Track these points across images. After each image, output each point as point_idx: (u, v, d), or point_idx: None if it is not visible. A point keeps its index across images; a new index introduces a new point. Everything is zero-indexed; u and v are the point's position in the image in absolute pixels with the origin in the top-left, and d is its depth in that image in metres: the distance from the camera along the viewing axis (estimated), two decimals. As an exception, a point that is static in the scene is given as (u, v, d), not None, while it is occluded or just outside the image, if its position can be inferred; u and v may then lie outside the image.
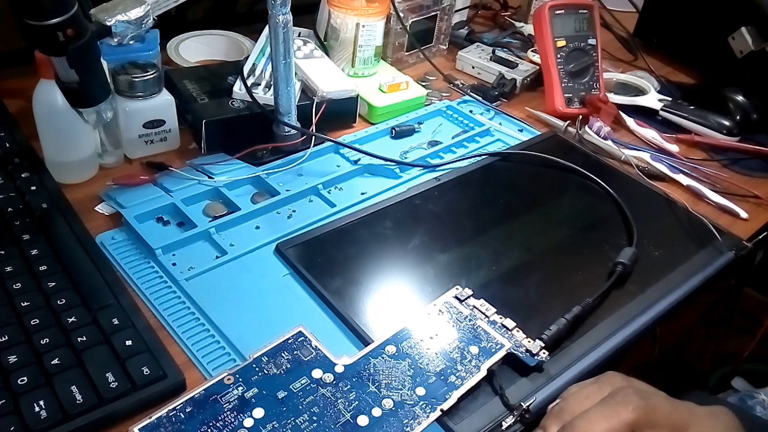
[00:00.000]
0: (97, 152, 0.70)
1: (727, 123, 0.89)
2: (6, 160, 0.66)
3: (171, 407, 0.45)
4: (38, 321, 0.50)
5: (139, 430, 0.44)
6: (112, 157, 0.71)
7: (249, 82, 0.76)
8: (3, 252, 0.55)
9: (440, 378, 0.50)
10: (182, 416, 0.45)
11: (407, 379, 0.49)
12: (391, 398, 0.48)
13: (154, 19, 0.62)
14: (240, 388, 0.47)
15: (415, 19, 0.95)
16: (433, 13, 0.98)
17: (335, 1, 0.85)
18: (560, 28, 0.90)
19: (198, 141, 0.73)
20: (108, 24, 0.59)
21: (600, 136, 0.85)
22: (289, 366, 0.49)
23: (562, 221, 0.72)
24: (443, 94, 0.93)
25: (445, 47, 1.04)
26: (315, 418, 0.46)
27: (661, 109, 0.93)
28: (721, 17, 0.98)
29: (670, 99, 0.95)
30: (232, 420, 0.45)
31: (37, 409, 0.44)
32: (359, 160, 0.75)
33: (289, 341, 0.51)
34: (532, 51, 1.01)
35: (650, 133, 0.88)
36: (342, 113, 0.81)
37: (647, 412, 0.45)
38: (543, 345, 0.53)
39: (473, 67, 1.00)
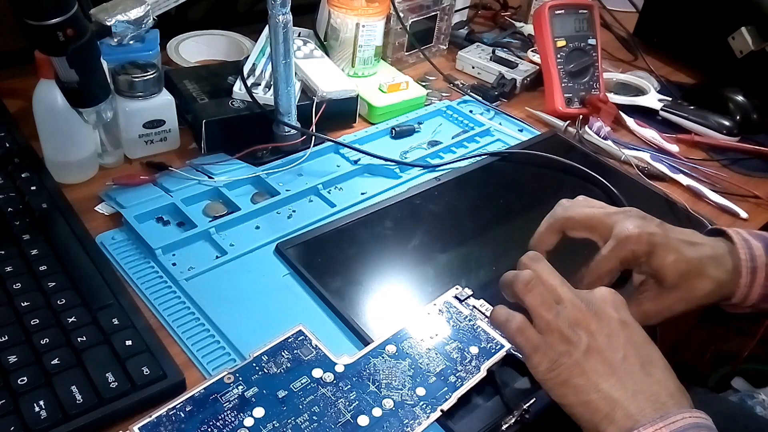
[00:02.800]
0: (97, 152, 0.70)
1: (727, 123, 0.89)
2: (6, 160, 0.66)
3: (171, 406, 0.45)
4: (38, 321, 0.50)
5: (139, 429, 0.44)
6: (112, 157, 0.71)
7: (249, 82, 0.76)
8: (3, 252, 0.55)
9: (440, 378, 0.50)
10: (182, 415, 0.45)
11: (407, 379, 0.49)
12: (392, 398, 0.48)
13: (154, 19, 0.62)
14: (240, 387, 0.47)
15: (415, 19, 0.95)
16: (433, 13, 0.98)
17: (335, 1, 0.85)
18: (560, 28, 0.90)
19: (198, 141, 0.73)
20: (108, 24, 0.59)
21: (600, 136, 0.85)
22: (289, 365, 0.49)
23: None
24: (443, 94, 0.93)
25: (445, 47, 1.04)
26: (315, 418, 0.46)
27: (661, 109, 0.93)
28: (721, 17, 0.99)
29: (670, 99, 0.95)
30: (233, 419, 0.45)
31: (37, 409, 0.44)
32: (359, 160, 0.75)
33: (289, 340, 0.51)
34: (532, 51, 1.01)
35: (650, 133, 0.88)
36: (342, 113, 0.81)
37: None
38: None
39: (473, 67, 1.00)
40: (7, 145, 0.68)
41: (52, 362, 0.47)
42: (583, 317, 0.45)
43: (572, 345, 0.44)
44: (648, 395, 0.42)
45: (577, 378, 0.43)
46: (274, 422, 0.45)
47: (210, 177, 0.69)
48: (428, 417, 0.47)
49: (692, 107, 0.92)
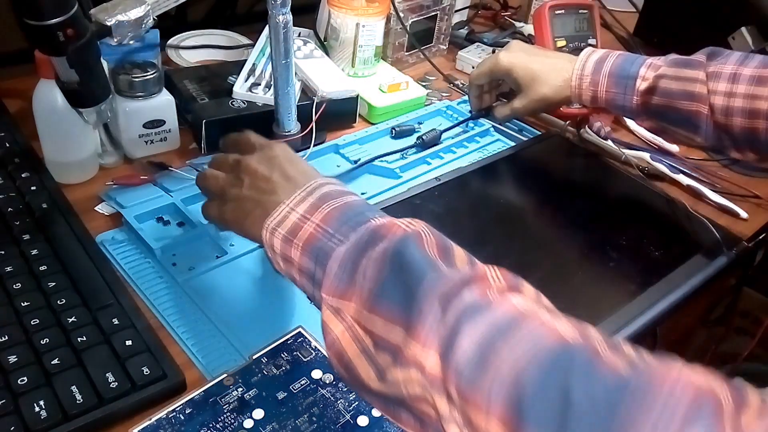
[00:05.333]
0: (97, 152, 0.70)
1: (727, 123, 0.89)
2: (6, 160, 0.66)
3: (170, 408, 0.45)
4: (38, 321, 0.50)
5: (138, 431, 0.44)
6: (112, 157, 0.71)
7: (249, 83, 0.76)
8: (3, 252, 0.55)
9: (440, 378, 0.50)
10: (182, 418, 0.45)
11: (407, 379, 0.49)
12: (391, 398, 0.48)
13: (154, 19, 0.62)
14: (240, 389, 0.47)
15: (415, 19, 0.95)
16: (433, 13, 0.98)
17: (335, 1, 0.85)
18: (560, 28, 0.90)
19: (198, 141, 0.73)
20: (108, 24, 0.59)
21: (600, 136, 0.85)
22: (288, 367, 0.49)
23: (562, 220, 0.72)
24: (443, 94, 0.93)
25: (445, 47, 1.04)
26: (315, 419, 0.46)
27: (661, 109, 0.93)
28: (721, 17, 0.98)
29: (670, 99, 0.95)
30: (232, 421, 0.45)
31: (37, 409, 0.44)
32: (359, 160, 0.75)
33: (289, 342, 0.51)
34: (532, 51, 1.01)
35: (650, 133, 0.88)
36: (342, 113, 0.81)
37: None
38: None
39: (473, 67, 0.99)
40: (7, 145, 0.68)
41: (52, 362, 0.47)
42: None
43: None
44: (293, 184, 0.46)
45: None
46: (273, 424, 0.45)
47: (210, 177, 0.69)
48: (428, 417, 0.47)
49: (692, 107, 0.92)
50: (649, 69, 0.67)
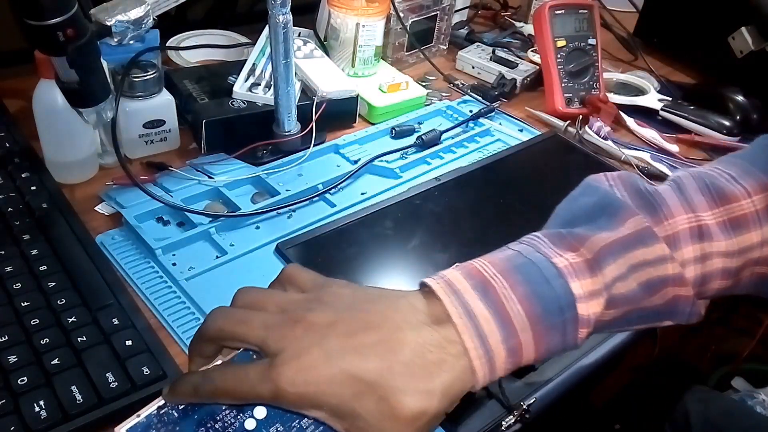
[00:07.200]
0: (97, 152, 0.70)
1: (727, 123, 0.89)
2: (6, 160, 0.66)
3: (161, 404, 0.42)
4: (38, 321, 0.50)
5: (127, 431, 0.41)
6: (112, 157, 0.71)
7: (249, 83, 0.76)
8: (3, 252, 0.55)
9: (440, 378, 0.49)
10: (176, 415, 0.42)
11: (407, 379, 0.49)
12: (391, 398, 0.48)
13: (154, 19, 0.62)
14: (240, 388, 0.47)
15: (415, 19, 0.95)
16: (433, 13, 0.98)
17: (335, 1, 0.85)
18: (560, 28, 0.90)
19: (198, 141, 0.73)
20: (108, 24, 0.59)
21: (600, 136, 0.85)
22: (289, 366, 0.49)
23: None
24: (443, 94, 0.93)
25: (445, 47, 1.04)
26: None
27: (661, 109, 0.93)
28: (721, 17, 0.99)
29: (670, 99, 0.95)
30: (233, 421, 0.45)
31: (37, 409, 0.44)
32: (359, 159, 0.75)
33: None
34: (532, 51, 1.01)
35: (650, 133, 0.88)
36: (342, 113, 0.81)
37: None
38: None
39: (473, 67, 1.00)
40: (7, 145, 0.68)
41: (52, 362, 0.47)
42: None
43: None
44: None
45: None
46: (277, 425, 0.44)
47: (210, 177, 0.69)
48: (428, 417, 0.47)
49: (692, 107, 0.92)
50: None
